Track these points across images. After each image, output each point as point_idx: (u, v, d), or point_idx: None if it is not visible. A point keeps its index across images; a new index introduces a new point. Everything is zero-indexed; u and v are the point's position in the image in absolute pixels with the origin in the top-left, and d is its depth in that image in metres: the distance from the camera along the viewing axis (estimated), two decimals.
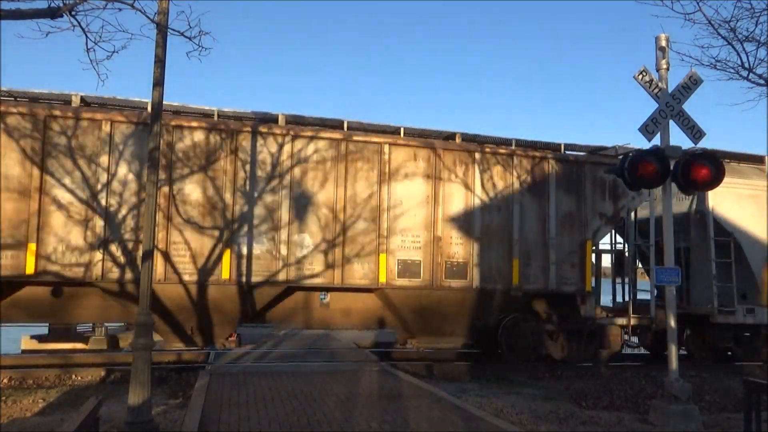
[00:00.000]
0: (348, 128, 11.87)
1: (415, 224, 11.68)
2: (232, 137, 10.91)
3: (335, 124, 11.89)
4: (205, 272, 10.62)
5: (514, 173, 12.31)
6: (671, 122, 8.14)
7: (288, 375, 9.76)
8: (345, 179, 11.37)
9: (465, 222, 11.97)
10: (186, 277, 10.52)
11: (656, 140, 8.18)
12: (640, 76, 8.11)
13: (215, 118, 11.24)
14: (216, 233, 10.69)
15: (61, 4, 4.86)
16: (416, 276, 11.57)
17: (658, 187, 8.15)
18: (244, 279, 10.77)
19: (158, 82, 6.39)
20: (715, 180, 7.95)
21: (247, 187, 10.93)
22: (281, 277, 10.95)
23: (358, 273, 11.33)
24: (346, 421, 6.89)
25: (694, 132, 8.13)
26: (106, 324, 14.49)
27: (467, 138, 12.52)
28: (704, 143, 8.37)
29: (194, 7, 5.81)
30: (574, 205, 12.68)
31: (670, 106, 8.08)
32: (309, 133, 11.33)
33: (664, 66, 8.21)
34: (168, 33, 6.21)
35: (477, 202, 12.04)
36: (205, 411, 7.16)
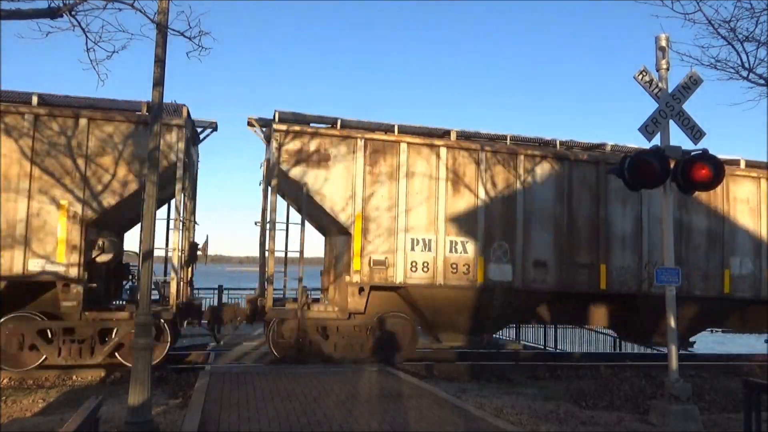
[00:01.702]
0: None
1: None
2: None
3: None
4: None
5: None
6: (671, 122, 8.14)
7: (288, 375, 9.77)
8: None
9: None
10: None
11: (656, 140, 8.19)
12: (640, 76, 8.10)
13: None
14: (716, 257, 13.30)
15: (61, 4, 4.87)
16: None
17: (658, 187, 8.13)
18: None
19: (158, 82, 6.39)
20: (716, 180, 7.94)
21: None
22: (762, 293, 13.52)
23: None
24: (346, 421, 6.89)
25: (694, 132, 8.13)
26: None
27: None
28: (704, 143, 8.38)
29: (194, 7, 5.82)
30: None
31: (670, 106, 8.07)
32: None
33: (664, 66, 8.20)
34: (168, 33, 6.22)
35: None
36: (205, 411, 7.17)
